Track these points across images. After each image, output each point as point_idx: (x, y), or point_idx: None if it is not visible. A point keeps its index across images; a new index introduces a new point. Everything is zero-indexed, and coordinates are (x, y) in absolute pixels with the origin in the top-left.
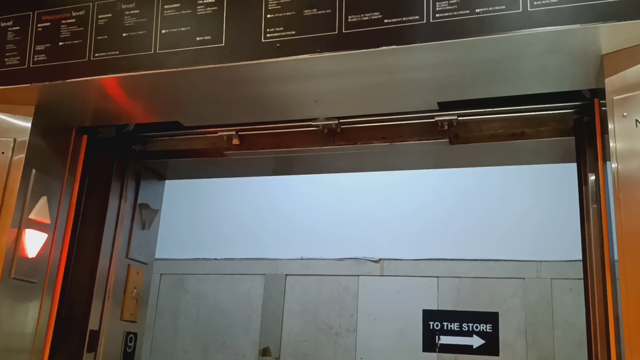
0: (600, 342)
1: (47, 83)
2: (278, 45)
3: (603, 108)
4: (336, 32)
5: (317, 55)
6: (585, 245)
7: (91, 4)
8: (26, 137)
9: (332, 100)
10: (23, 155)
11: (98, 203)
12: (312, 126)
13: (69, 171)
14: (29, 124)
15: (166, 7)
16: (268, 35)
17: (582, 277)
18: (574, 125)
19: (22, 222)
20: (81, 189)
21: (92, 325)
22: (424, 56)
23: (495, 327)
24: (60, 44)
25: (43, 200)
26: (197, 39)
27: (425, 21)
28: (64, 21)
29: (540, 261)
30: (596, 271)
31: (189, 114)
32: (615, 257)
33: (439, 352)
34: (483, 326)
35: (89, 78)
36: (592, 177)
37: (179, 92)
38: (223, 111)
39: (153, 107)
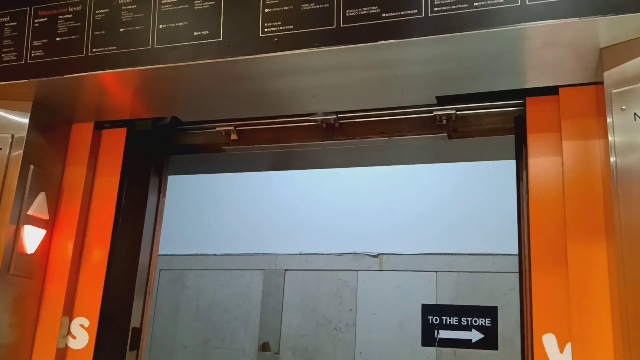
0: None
1: (44, 79)
2: (276, 39)
3: (535, 105)
4: (334, 27)
5: (315, 49)
6: (520, 240)
7: None
8: (24, 133)
9: (330, 95)
10: (21, 151)
11: (136, 197)
12: (311, 121)
13: (111, 167)
14: (26, 120)
15: (163, 2)
16: (266, 29)
17: None
18: (514, 123)
19: (21, 218)
20: (121, 184)
21: (134, 322)
22: (422, 50)
23: (494, 322)
24: (58, 39)
25: (41, 196)
26: (195, 33)
27: (423, 15)
28: (60, 16)
29: None
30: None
31: (186, 109)
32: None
33: (438, 346)
34: (482, 320)
35: (87, 73)
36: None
37: (176, 87)
38: (221, 106)
39: (151, 103)
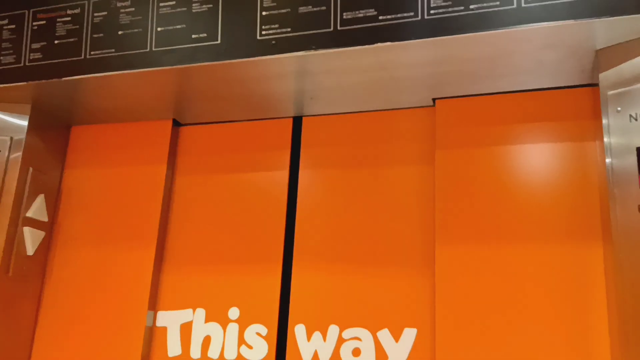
0: None
1: (43, 81)
2: (273, 42)
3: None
4: (331, 29)
5: (312, 52)
6: None
7: (86, 2)
8: (23, 136)
9: (328, 97)
10: (20, 154)
11: None
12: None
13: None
14: (25, 122)
15: (161, 4)
16: (263, 32)
17: None
18: None
19: (20, 221)
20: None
21: None
22: (419, 53)
23: None
24: (56, 42)
25: (40, 198)
26: (193, 36)
27: (419, 18)
28: (59, 19)
29: None
30: None
31: (185, 111)
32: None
33: None
34: None
35: (85, 76)
36: None
37: (175, 89)
38: (220, 109)
39: (149, 105)
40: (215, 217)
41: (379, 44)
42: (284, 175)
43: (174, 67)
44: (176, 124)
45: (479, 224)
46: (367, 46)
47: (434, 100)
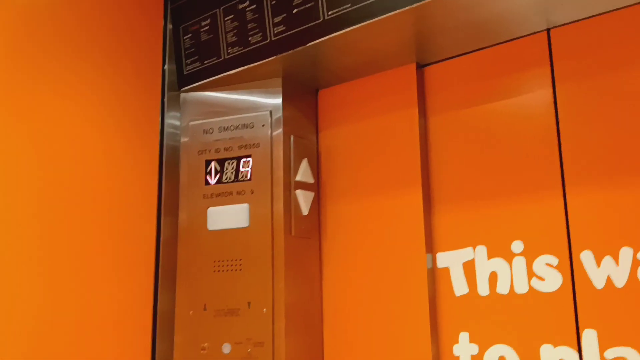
0: None
1: (290, 52)
2: None
3: None
4: None
5: None
6: None
7: None
8: (279, 107)
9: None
10: (280, 124)
11: None
12: None
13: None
14: (279, 95)
15: None
16: None
17: None
18: None
19: (292, 185)
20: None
21: None
22: None
23: None
24: (295, 11)
25: (304, 162)
26: None
27: None
28: None
29: None
30: None
31: (425, 51)
32: None
33: None
34: None
35: (328, 37)
36: None
37: (414, 30)
38: (460, 40)
39: (390, 52)
40: (477, 150)
41: None
42: (546, 94)
43: (415, 5)
44: (418, 66)
45: None
46: None
47: None
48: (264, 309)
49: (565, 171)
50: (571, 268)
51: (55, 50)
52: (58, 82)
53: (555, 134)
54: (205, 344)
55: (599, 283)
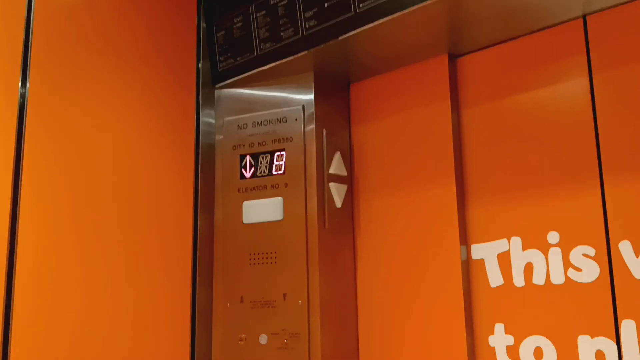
0: None
1: (322, 46)
2: None
3: None
4: None
5: None
6: None
7: None
8: (312, 102)
9: None
10: (313, 118)
11: None
12: None
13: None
14: (311, 89)
15: None
16: None
17: None
18: None
19: (325, 178)
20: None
21: None
22: None
23: None
24: (326, 4)
25: (337, 156)
26: None
27: None
28: None
29: None
30: None
31: (458, 42)
32: None
33: None
34: None
35: (360, 29)
36: None
37: (447, 20)
38: (494, 29)
39: (422, 43)
40: (512, 141)
41: None
42: (583, 83)
43: None
44: (450, 58)
45: None
46: None
47: None
48: (299, 301)
49: (603, 161)
50: (609, 258)
51: (96, 47)
52: (100, 80)
53: (592, 123)
54: (243, 335)
55: (638, 273)
